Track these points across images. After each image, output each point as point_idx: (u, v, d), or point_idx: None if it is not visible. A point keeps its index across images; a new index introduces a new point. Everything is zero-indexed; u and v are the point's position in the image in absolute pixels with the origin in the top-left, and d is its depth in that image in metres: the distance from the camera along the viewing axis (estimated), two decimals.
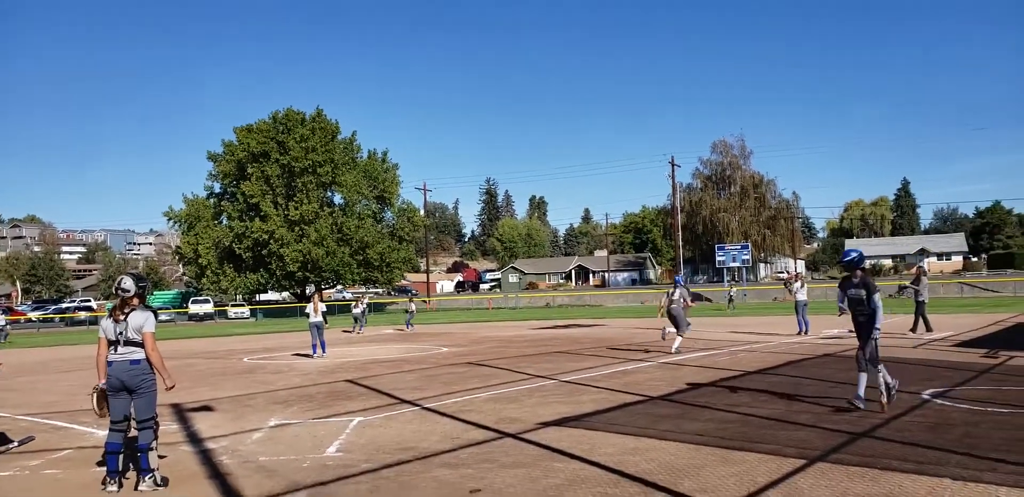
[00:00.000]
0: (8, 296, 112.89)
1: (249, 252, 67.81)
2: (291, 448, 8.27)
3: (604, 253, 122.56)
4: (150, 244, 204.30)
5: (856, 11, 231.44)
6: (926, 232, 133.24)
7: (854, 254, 9.45)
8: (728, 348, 18.32)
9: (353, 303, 36.71)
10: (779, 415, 9.02)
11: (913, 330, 20.34)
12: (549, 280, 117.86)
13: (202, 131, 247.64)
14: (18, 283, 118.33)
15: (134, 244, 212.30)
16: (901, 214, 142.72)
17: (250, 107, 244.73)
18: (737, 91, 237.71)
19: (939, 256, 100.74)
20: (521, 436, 8.43)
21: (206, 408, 11.60)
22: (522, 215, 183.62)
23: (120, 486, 6.64)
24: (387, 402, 11.53)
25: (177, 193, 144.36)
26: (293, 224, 67.19)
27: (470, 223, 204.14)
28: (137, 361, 6.72)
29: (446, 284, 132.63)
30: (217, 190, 74.25)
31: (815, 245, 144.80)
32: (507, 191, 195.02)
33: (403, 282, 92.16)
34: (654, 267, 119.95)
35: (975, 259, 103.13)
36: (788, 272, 78.89)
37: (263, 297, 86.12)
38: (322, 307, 21.10)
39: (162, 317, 61.55)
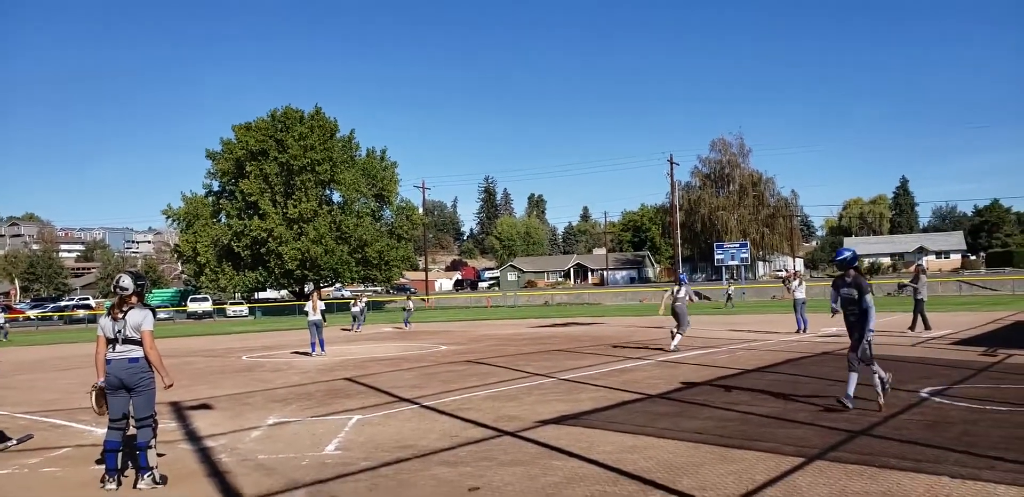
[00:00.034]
0: (7, 294, 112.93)
1: (248, 250, 67.77)
2: (290, 446, 8.27)
3: (603, 251, 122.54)
4: (149, 242, 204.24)
5: (855, 10, 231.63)
6: (925, 230, 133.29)
7: (847, 253, 9.43)
8: (727, 346, 18.33)
9: (352, 301, 36.72)
10: (777, 413, 9.03)
11: (912, 328, 20.36)
12: (548, 278, 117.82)
13: (201, 129, 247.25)
14: (17, 281, 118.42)
15: (133, 242, 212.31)
16: (900, 212, 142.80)
17: (249, 105, 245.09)
18: (736, 89, 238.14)
19: (938, 254, 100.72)
20: (520, 434, 8.43)
21: (205, 406, 11.60)
22: (521, 213, 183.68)
23: (119, 484, 6.64)
24: (386, 400, 11.53)
25: (176, 191, 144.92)
26: (292, 222, 67.13)
27: (469, 221, 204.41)
28: (136, 359, 6.72)
29: (445, 282, 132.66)
30: (216, 188, 74.20)
31: (814, 243, 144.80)
32: (506, 189, 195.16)
33: (402, 280, 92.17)
34: (653, 265, 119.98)
35: (973, 257, 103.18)
36: (787, 270, 78.84)
37: (262, 295, 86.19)
38: (321, 305, 21.11)
39: (161, 315, 61.59)
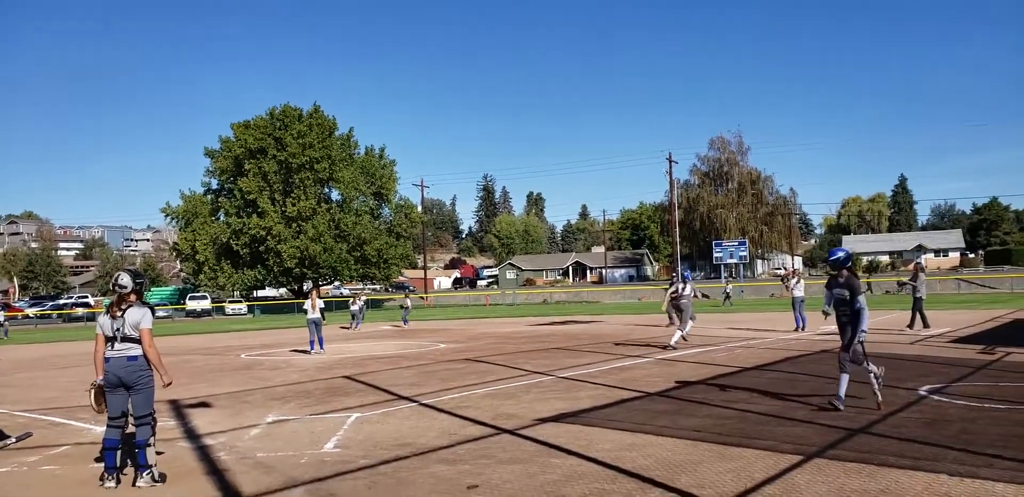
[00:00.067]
0: (5, 292, 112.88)
1: (246, 248, 67.76)
2: (289, 444, 8.27)
3: (602, 249, 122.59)
4: (147, 240, 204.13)
5: (854, 9, 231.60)
6: (923, 228, 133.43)
7: (840, 253, 9.35)
8: (725, 344, 18.34)
9: (351, 300, 36.73)
10: (776, 411, 9.03)
11: (910, 326, 20.36)
12: (546, 276, 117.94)
13: (199, 127, 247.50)
14: (15, 279, 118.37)
15: (131, 240, 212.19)
16: (898, 210, 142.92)
17: (247, 103, 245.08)
18: (735, 88, 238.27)
19: (936, 252, 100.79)
20: (518, 432, 8.43)
21: (203, 404, 11.60)
22: (519, 211, 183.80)
23: (118, 482, 6.64)
24: (384, 398, 11.53)
25: (174, 189, 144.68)
26: (290, 220, 67.11)
27: (467, 219, 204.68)
28: (134, 357, 6.72)
29: (443, 280, 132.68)
30: (214, 186, 74.17)
31: (812, 241, 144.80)
32: (504, 187, 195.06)
33: (400, 279, 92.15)
34: (651, 263, 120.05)
35: (972, 255, 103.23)
36: (785, 268, 78.87)
37: (260, 293, 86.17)
38: (320, 303, 21.10)
39: (159, 313, 61.53)
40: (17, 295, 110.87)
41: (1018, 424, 7.85)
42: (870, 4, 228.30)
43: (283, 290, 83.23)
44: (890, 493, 5.57)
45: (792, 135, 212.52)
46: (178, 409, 11.14)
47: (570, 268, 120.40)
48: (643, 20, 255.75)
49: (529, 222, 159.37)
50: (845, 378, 8.93)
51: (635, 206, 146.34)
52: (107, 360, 6.72)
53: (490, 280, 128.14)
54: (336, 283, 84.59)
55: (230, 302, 72.19)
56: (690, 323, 18.72)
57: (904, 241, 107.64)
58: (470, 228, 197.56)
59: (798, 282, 22.98)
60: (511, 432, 8.46)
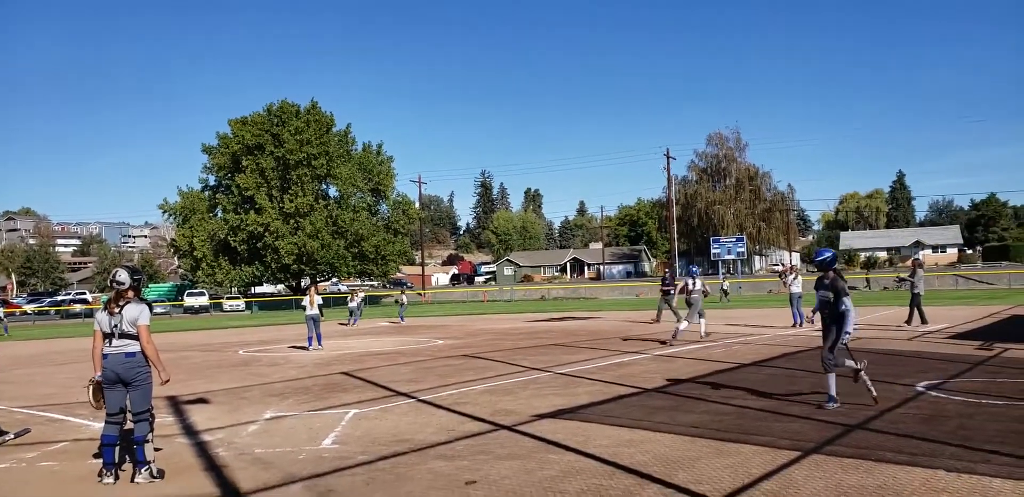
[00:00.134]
0: (3, 289, 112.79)
1: (244, 245, 67.76)
2: (287, 440, 8.27)
3: (599, 246, 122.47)
4: (145, 237, 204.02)
5: (852, 6, 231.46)
6: (921, 224, 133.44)
7: (826, 254, 9.23)
8: (723, 340, 18.35)
9: (349, 296, 36.74)
10: (773, 407, 9.04)
11: (908, 322, 20.38)
12: (544, 273, 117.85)
13: (197, 124, 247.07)
14: (13, 276, 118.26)
15: (129, 237, 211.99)
16: (896, 206, 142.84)
17: (245, 100, 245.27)
18: (733, 84, 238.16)
19: (934, 248, 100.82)
20: (516, 428, 8.44)
21: (202, 400, 11.60)
22: (517, 208, 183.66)
23: (116, 478, 6.64)
24: (383, 394, 11.54)
25: (172, 186, 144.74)
26: (288, 217, 67.11)
27: (465, 216, 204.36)
28: (132, 354, 6.72)
29: (441, 277, 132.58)
30: (212, 183, 74.18)
31: (810, 237, 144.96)
32: (502, 184, 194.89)
33: (398, 275, 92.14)
34: (649, 260, 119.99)
35: (970, 251, 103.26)
36: (783, 264, 78.98)
37: (258, 290, 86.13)
38: (318, 300, 21.09)
39: (157, 310, 61.46)
40: (15, 292, 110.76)
41: (1016, 420, 7.86)
42: (868, 0, 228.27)
43: (281, 286, 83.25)
44: (887, 489, 5.58)
45: (790, 131, 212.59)
46: (176, 405, 11.14)
47: (568, 264, 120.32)
48: (641, 17, 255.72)
49: (527, 218, 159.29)
50: (832, 378, 8.90)
51: (633, 202, 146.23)
52: (105, 356, 6.72)
53: (488, 276, 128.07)
54: (334, 279, 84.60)
55: (228, 298, 72.21)
56: (700, 320, 18.77)
57: (902, 237, 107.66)
58: (468, 224, 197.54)
59: (796, 278, 23.02)
60: (509, 428, 8.46)
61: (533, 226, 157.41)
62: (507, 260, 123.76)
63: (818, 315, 9.33)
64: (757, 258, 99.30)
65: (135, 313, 6.74)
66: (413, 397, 11.08)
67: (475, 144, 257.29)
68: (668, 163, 75.89)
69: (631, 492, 5.77)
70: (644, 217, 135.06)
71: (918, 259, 23.53)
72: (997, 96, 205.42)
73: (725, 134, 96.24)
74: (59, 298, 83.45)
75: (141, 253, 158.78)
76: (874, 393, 8.93)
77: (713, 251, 79.55)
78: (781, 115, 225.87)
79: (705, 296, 19.19)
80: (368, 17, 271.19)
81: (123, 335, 6.71)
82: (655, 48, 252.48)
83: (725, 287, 49.40)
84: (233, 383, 13.80)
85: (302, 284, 72.07)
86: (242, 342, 25.25)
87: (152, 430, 6.83)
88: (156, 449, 6.96)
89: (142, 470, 6.64)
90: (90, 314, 58.75)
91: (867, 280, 61.82)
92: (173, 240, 78.54)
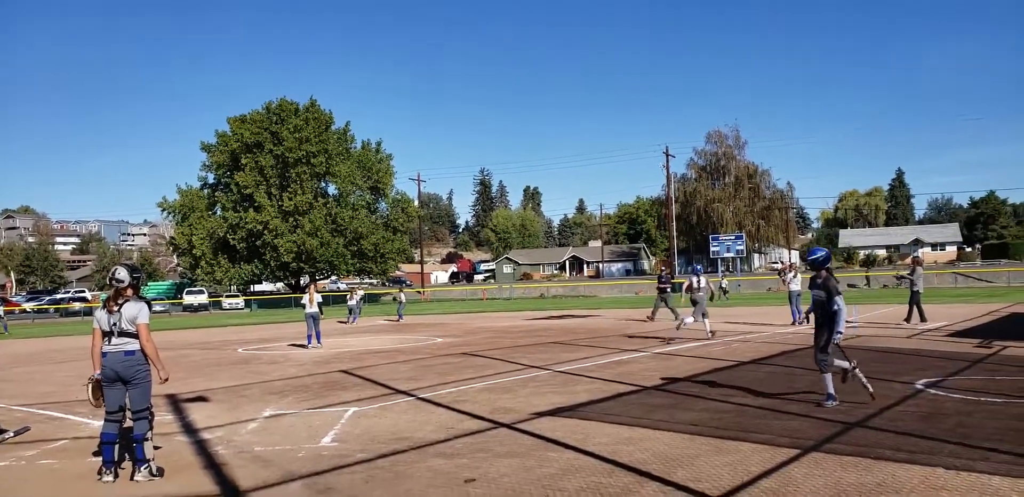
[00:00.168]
0: (3, 287, 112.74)
1: (243, 243, 67.75)
2: (286, 438, 8.28)
3: (598, 243, 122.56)
4: (144, 235, 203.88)
5: (851, 4, 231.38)
6: (920, 222, 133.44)
7: (819, 253, 9.23)
8: (722, 338, 18.35)
9: (348, 294, 36.76)
10: (773, 405, 9.05)
11: (907, 320, 20.39)
12: (543, 271, 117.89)
13: (196, 122, 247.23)
14: (12, 274, 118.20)
15: (128, 235, 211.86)
16: (895, 204, 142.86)
17: (244, 98, 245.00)
18: (732, 82, 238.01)
19: (933, 246, 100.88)
20: (515, 426, 8.45)
21: (201, 399, 11.60)
22: (516, 206, 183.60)
23: (116, 476, 6.65)
24: (382, 392, 11.54)
25: (171, 184, 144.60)
26: (287, 215, 67.11)
27: (464, 214, 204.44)
28: (131, 352, 6.72)
29: (440, 275, 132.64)
30: (211, 181, 74.16)
31: (809, 235, 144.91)
32: (501, 181, 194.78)
33: (397, 273, 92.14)
34: (648, 258, 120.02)
35: (969, 249, 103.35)
36: (782, 262, 78.91)
37: (257, 288, 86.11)
38: (318, 298, 21.09)
39: (156, 308, 61.43)
40: (14, 290, 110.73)
41: (1014, 417, 7.87)
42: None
43: (280, 284, 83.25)
44: (886, 486, 5.58)
45: (789, 129, 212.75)
46: (176, 403, 11.14)
47: (567, 262, 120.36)
48: (640, 15, 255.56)
49: (526, 216, 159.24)
50: (828, 377, 8.90)
51: (632, 200, 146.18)
52: (104, 355, 6.72)
53: (487, 274, 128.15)
54: (333, 278, 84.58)
55: (227, 296, 72.15)
56: (704, 320, 18.80)
57: (901, 235, 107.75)
58: (467, 222, 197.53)
59: (795, 276, 23.03)
60: (508, 426, 8.47)
61: (532, 224, 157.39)
62: (506, 258, 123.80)
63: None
64: (756, 256, 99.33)
65: (134, 311, 6.74)
66: (412, 395, 11.08)
67: (474, 142, 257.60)
68: (667, 161, 75.77)
69: (630, 490, 5.77)
70: (643, 215, 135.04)
71: (917, 257, 23.55)
72: (996, 94, 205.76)
73: (724, 132, 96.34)
74: (58, 296, 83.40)
75: (140, 251, 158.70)
76: (870, 389, 8.94)
77: (712, 249, 79.59)
78: (780, 113, 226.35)
79: (712, 298, 19.32)
80: (367, 16, 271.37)
81: (122, 333, 6.71)
82: (654, 46, 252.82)
83: (724, 285, 49.41)
84: (232, 381, 13.81)
85: (301, 282, 72.11)
86: (241, 340, 25.25)
87: (151, 428, 6.83)
88: (155, 447, 6.96)
89: (142, 468, 6.65)
90: (89, 312, 58.76)
91: (867, 278, 61.80)
92: (172, 238, 78.51)
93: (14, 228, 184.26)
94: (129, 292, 6.85)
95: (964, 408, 8.46)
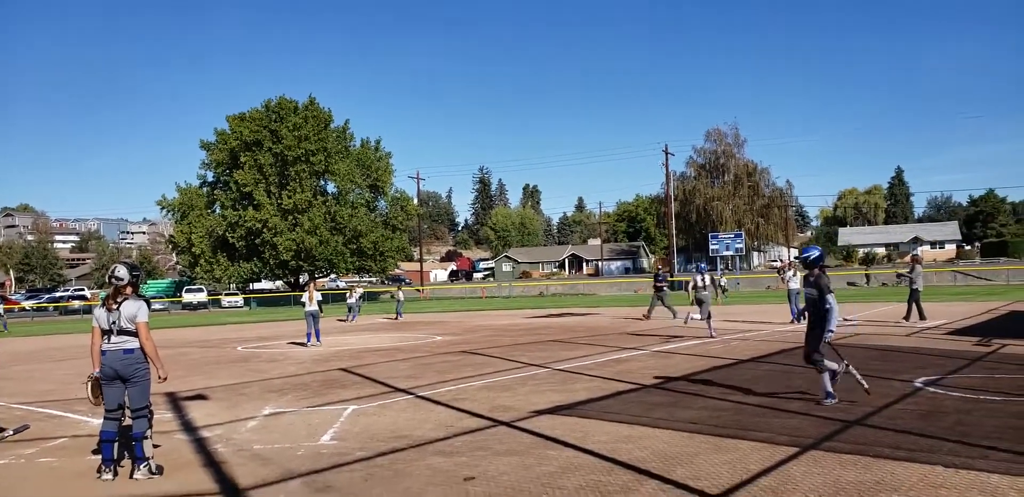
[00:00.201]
0: (2, 285, 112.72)
1: (242, 241, 67.74)
2: (285, 436, 8.28)
3: (598, 242, 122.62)
4: (143, 233, 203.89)
5: (851, 4, 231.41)
6: (920, 220, 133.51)
7: (811, 253, 9.28)
8: (721, 336, 18.35)
9: (347, 292, 36.76)
10: (771, 403, 9.05)
11: (907, 318, 20.40)
12: (543, 269, 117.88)
13: (195, 120, 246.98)
14: (11, 272, 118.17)
15: (127, 233, 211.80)
16: (895, 202, 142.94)
17: (243, 95, 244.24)
18: (732, 80, 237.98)
19: (932, 244, 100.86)
20: (515, 424, 8.45)
21: (200, 397, 11.60)
22: (515, 204, 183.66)
23: (115, 474, 6.65)
24: (381, 390, 11.54)
25: (170, 182, 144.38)
26: (286, 213, 67.10)
27: (463, 212, 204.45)
28: (130, 350, 6.72)
29: (440, 273, 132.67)
30: (210, 179, 74.12)
31: (809, 233, 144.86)
32: (500, 180, 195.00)
33: (397, 271, 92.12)
34: (648, 256, 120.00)
35: (968, 247, 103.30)
36: (781, 260, 78.95)
37: (257, 286, 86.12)
38: (317, 296, 21.08)
39: (156, 306, 61.46)
40: (13, 288, 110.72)
41: (1013, 416, 7.87)
42: None
43: (279, 283, 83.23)
44: (885, 484, 5.59)
45: (789, 127, 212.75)
46: (175, 401, 11.14)
47: (566, 260, 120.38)
48: (640, 13, 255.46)
49: (525, 214, 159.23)
50: (826, 376, 8.91)
51: (631, 198, 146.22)
52: (103, 353, 6.72)
53: (486, 272, 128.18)
54: (332, 276, 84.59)
55: (226, 295, 72.13)
56: (708, 320, 18.87)
57: (900, 233, 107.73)
58: (466, 221, 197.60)
59: (794, 274, 22.99)
60: (507, 424, 8.47)
61: (531, 222, 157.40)
62: (505, 256, 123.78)
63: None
64: (755, 254, 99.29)
65: (133, 310, 6.74)
66: (411, 393, 11.08)
67: (474, 140, 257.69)
68: (667, 159, 75.70)
69: (629, 488, 5.78)
70: (643, 213, 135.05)
71: (917, 255, 23.54)
72: (995, 93, 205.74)
73: (724, 130, 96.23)
74: (57, 294, 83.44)
75: (139, 249, 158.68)
76: (865, 386, 8.94)
77: (711, 247, 79.53)
78: (780, 111, 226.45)
79: (723, 291, 19.45)
80: (367, 14, 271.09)
81: (121, 332, 6.71)
82: (654, 45, 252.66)
83: (723, 283, 49.42)
84: (232, 379, 13.80)
85: (300, 280, 72.10)
86: (241, 338, 25.26)
87: (151, 426, 6.83)
88: (155, 445, 6.96)
89: (141, 466, 6.65)
90: (88, 310, 58.70)
91: (867, 276, 61.80)
92: (171, 236, 78.49)
93: (13, 226, 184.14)
94: (128, 290, 6.85)
95: (963, 406, 8.46)
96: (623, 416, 8.60)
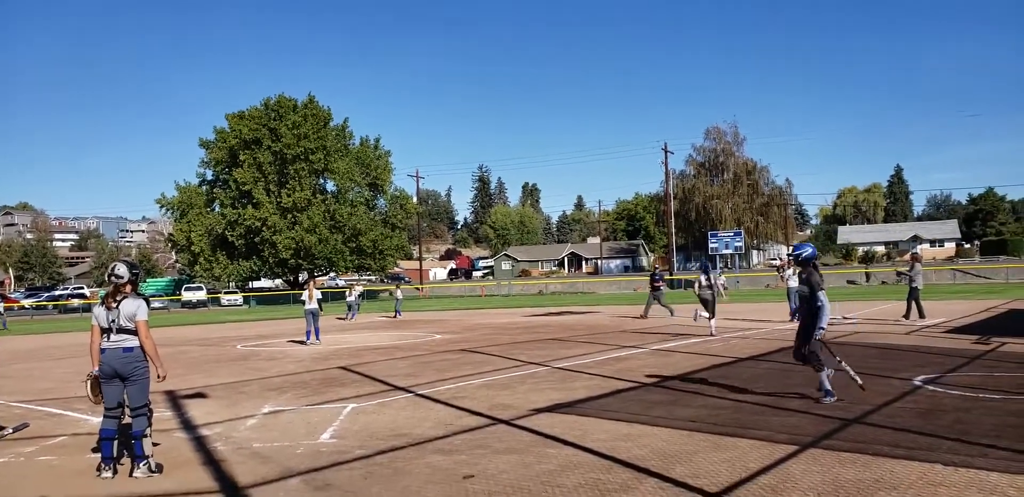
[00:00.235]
0: (1, 284, 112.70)
1: (242, 239, 67.73)
2: (285, 434, 8.28)
3: (597, 240, 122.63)
4: (143, 231, 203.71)
5: (851, 3, 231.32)
6: (919, 219, 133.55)
7: (803, 249, 9.30)
8: (721, 335, 18.36)
9: (347, 291, 36.78)
10: (771, 401, 9.05)
11: (906, 316, 20.40)
12: (542, 267, 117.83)
13: (195, 118, 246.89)
14: (11, 270, 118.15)
15: (127, 231, 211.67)
16: (894, 201, 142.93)
17: (242, 94, 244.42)
18: (731, 79, 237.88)
19: (932, 243, 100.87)
20: (514, 422, 8.45)
21: (200, 395, 11.60)
22: (515, 202, 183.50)
23: (115, 472, 6.65)
24: (380, 389, 11.54)
25: (169, 180, 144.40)
26: (285, 211, 67.08)
27: (463, 210, 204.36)
28: (130, 348, 6.72)
29: (439, 271, 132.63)
30: (209, 177, 74.11)
31: (808, 232, 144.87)
32: (500, 178, 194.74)
33: (396, 269, 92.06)
34: (647, 254, 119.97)
35: (968, 246, 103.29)
36: (781, 259, 78.90)
37: (256, 284, 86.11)
38: (317, 294, 21.08)
39: (155, 304, 61.46)
40: (12, 286, 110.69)
41: (1013, 414, 7.88)
42: None
43: (278, 281, 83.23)
44: (884, 483, 5.59)
45: (788, 126, 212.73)
46: (174, 400, 11.14)
47: (565, 259, 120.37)
48: (638, 10, 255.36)
49: (525, 213, 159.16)
50: (824, 374, 8.91)
51: (631, 197, 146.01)
52: (103, 351, 6.72)
53: (486, 271, 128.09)
54: (332, 274, 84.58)
55: (226, 293, 72.18)
56: (711, 320, 18.91)
57: (900, 231, 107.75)
58: (465, 219, 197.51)
59: (794, 272, 22.97)
60: (507, 422, 8.47)
61: (531, 221, 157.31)
62: (505, 255, 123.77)
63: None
64: (755, 252, 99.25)
65: (132, 308, 6.74)
66: (411, 391, 11.09)
67: (473, 138, 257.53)
68: (666, 157, 75.69)
69: (629, 486, 5.78)
70: (642, 212, 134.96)
71: (916, 253, 23.54)
72: (994, 91, 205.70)
73: (723, 128, 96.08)
74: (57, 293, 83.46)
75: (139, 248, 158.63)
76: (859, 381, 8.96)
77: (711, 245, 79.39)
78: (779, 109, 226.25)
79: (723, 289, 19.42)
80: (366, 13, 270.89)
81: (121, 330, 6.71)
82: (653, 43, 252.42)
83: (722, 282, 49.42)
84: (231, 378, 13.81)
85: (300, 279, 72.10)
86: (240, 337, 25.26)
87: (150, 425, 6.84)
88: (154, 444, 6.97)
89: (140, 464, 6.65)
90: (88, 309, 58.73)
91: (867, 275, 61.82)
92: (171, 235, 78.46)
93: (12, 225, 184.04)
94: (128, 288, 6.85)
95: (962, 404, 8.47)
96: (622, 414, 8.61)
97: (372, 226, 70.58)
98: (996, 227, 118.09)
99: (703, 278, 18.96)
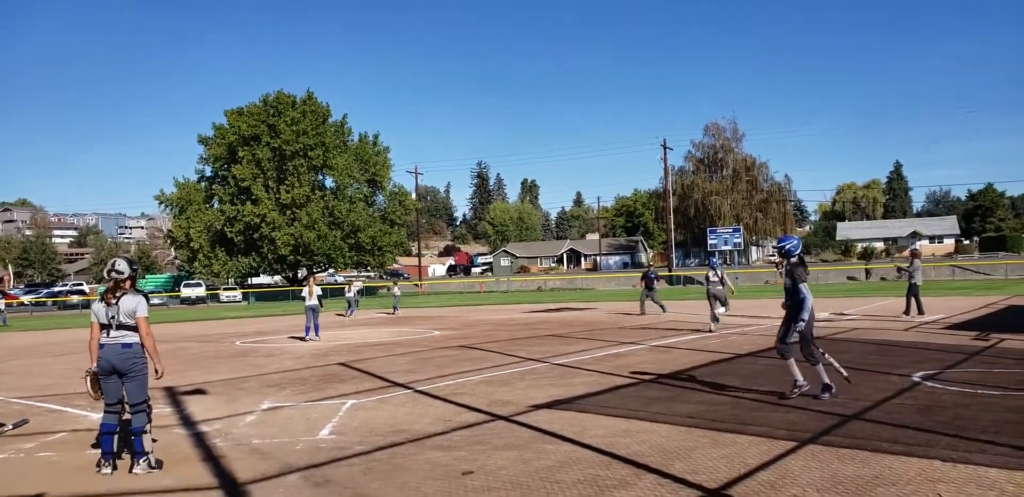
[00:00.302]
0: (1, 280, 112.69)
1: (241, 236, 67.69)
2: (284, 431, 8.29)
3: (596, 236, 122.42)
4: (142, 228, 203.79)
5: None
6: (918, 215, 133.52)
7: (787, 242, 9.30)
8: (719, 331, 18.36)
9: (346, 287, 36.78)
10: (769, 398, 9.05)
11: (906, 313, 20.40)
12: (541, 264, 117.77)
13: (193, 115, 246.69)
14: (10, 267, 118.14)
15: (126, 228, 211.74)
16: (893, 197, 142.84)
17: (241, 90, 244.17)
18: (730, 75, 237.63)
19: (931, 239, 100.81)
20: (513, 419, 8.46)
21: (199, 391, 11.60)
22: (514, 198, 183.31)
23: (115, 468, 6.65)
24: (380, 385, 11.55)
25: (168, 177, 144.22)
26: (284, 208, 67.02)
27: (462, 207, 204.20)
28: (129, 345, 6.72)
29: (438, 268, 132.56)
30: (208, 174, 74.04)
31: (807, 228, 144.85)
32: (499, 174, 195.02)
33: (395, 266, 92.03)
34: (646, 250, 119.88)
35: (967, 242, 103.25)
36: (779, 255, 78.81)
37: (255, 281, 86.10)
38: (317, 290, 21.08)
39: (154, 301, 61.45)
40: (12, 283, 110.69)
41: (1011, 410, 7.88)
42: None
43: (277, 277, 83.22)
44: (883, 479, 5.59)
45: (787, 122, 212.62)
46: (174, 396, 11.15)
47: (564, 255, 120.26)
48: (637, 7, 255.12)
49: (523, 209, 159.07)
50: (821, 369, 8.90)
51: (630, 193, 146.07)
52: (102, 347, 6.72)
53: (484, 267, 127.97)
54: (330, 271, 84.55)
55: (225, 289, 72.18)
56: (721, 309, 19.08)
57: (899, 228, 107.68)
58: (464, 215, 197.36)
59: None
60: (506, 418, 8.48)
61: (530, 217, 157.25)
62: (504, 251, 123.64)
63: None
64: (754, 249, 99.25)
65: (132, 304, 6.74)
66: (410, 388, 11.09)
67: (472, 135, 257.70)
68: (665, 154, 75.66)
69: (627, 482, 5.79)
70: (641, 208, 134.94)
71: (916, 249, 23.55)
72: (993, 88, 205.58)
73: (722, 124, 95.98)
74: (56, 289, 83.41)
75: (138, 244, 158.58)
76: (844, 373, 8.99)
77: (710, 242, 79.27)
78: (778, 106, 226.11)
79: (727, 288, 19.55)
80: (365, 9, 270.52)
81: (120, 326, 6.71)
82: (652, 39, 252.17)
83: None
84: (230, 374, 13.81)
85: (299, 275, 72.08)
86: (239, 333, 25.27)
87: (150, 421, 6.84)
88: (154, 440, 6.97)
89: (140, 461, 6.65)
90: (87, 305, 58.74)
91: (867, 271, 61.85)
92: (170, 231, 78.40)
93: (11, 221, 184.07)
94: (127, 284, 6.85)
95: (961, 400, 8.47)
96: (621, 410, 8.61)
97: (371, 222, 70.54)
98: (995, 223, 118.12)
99: (711, 273, 19.04)
